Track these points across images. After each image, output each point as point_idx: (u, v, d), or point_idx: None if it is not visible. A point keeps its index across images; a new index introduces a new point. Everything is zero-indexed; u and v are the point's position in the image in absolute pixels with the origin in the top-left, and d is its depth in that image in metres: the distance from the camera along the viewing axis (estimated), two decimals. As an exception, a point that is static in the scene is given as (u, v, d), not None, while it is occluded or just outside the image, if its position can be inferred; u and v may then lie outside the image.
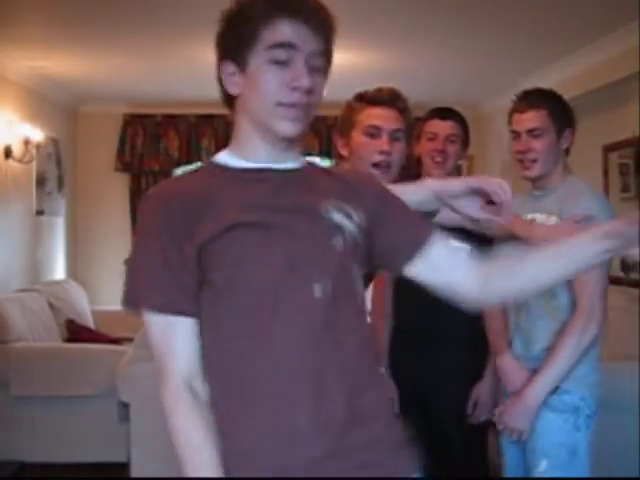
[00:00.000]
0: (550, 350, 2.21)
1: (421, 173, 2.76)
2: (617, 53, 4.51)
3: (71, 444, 4.14)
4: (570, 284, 2.16)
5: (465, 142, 2.80)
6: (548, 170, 2.32)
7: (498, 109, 6.81)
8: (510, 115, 2.44)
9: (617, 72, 4.56)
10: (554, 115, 2.36)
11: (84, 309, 5.88)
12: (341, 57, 5.54)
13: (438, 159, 2.69)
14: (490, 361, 2.61)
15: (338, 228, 1.34)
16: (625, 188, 5.36)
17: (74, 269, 6.96)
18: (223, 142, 7.20)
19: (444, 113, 2.76)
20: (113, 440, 4.02)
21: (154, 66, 5.67)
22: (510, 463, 2.44)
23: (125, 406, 3.36)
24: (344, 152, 2.15)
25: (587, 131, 6.17)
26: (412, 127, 2.15)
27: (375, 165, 2.02)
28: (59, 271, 6.61)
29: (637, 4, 3.74)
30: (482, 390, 2.68)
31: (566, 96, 5.57)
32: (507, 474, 2.47)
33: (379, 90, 2.12)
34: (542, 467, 2.21)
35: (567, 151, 2.42)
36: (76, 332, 5.31)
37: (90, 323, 5.82)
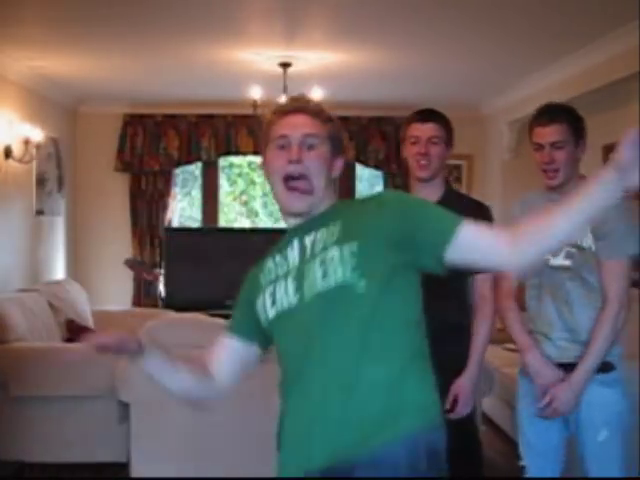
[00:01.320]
0: (590, 338, 2.54)
1: (409, 175, 2.87)
2: (617, 53, 4.51)
3: (71, 444, 4.14)
4: (600, 275, 2.53)
5: (448, 142, 2.82)
6: (568, 177, 2.57)
7: (498, 109, 6.82)
8: (531, 128, 2.63)
9: (617, 72, 4.56)
10: (573, 128, 2.60)
11: (84, 309, 5.87)
12: (341, 58, 5.58)
13: (422, 162, 2.74)
14: (472, 356, 2.71)
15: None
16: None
17: (74, 269, 6.96)
18: (223, 142, 7.21)
19: (425, 116, 2.81)
20: (113, 440, 4.01)
21: (154, 66, 5.67)
22: (536, 440, 2.68)
23: (125, 406, 3.36)
24: None
25: (587, 131, 6.19)
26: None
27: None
28: (59, 271, 6.61)
29: (637, 4, 3.74)
30: (464, 385, 2.72)
31: (566, 96, 5.61)
32: (531, 450, 2.70)
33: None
34: (603, 436, 2.54)
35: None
36: (76, 332, 5.31)
37: (90, 323, 5.81)
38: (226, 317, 3.52)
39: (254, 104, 5.60)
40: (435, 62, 5.46)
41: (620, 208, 2.19)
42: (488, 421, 4.65)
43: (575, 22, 4.30)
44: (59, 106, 6.60)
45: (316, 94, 5.59)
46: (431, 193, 2.75)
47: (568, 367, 2.55)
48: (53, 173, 6.34)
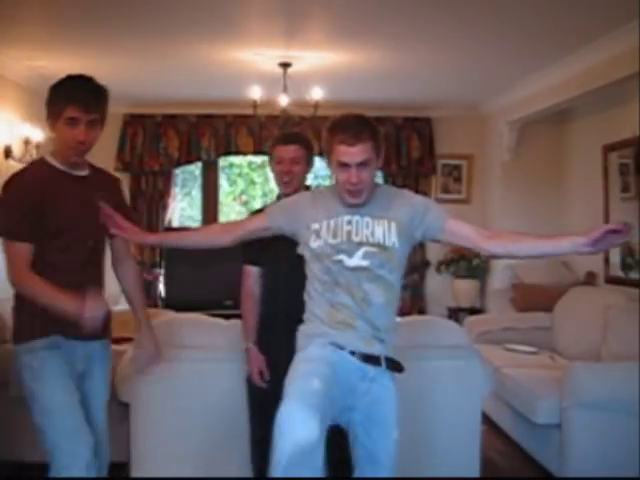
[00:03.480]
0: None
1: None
2: (617, 53, 4.51)
3: (71, 444, 4.12)
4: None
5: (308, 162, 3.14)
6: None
7: (498, 109, 6.82)
8: (334, 147, 2.49)
9: (617, 72, 4.56)
10: (375, 145, 2.49)
11: (84, 309, 5.86)
12: (341, 58, 5.58)
13: (285, 179, 3.06)
14: None
15: None
16: (625, 188, 5.36)
17: (74, 269, 6.94)
18: (223, 142, 7.20)
19: (287, 139, 3.13)
20: (113, 440, 4.01)
21: (154, 66, 5.67)
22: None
23: (125, 406, 3.35)
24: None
25: (587, 131, 6.20)
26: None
27: None
28: (59, 271, 6.59)
29: (637, 4, 3.74)
30: None
31: (566, 96, 5.62)
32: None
33: None
34: (396, 434, 2.53)
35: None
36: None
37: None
38: (226, 317, 3.54)
39: (254, 104, 5.60)
40: (435, 62, 5.46)
41: None
42: (488, 421, 4.65)
43: (575, 22, 4.30)
44: (59, 106, 6.58)
45: (316, 94, 5.59)
46: None
47: (372, 359, 2.51)
48: (53, 173, 6.33)
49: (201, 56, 5.29)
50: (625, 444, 3.67)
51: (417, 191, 7.26)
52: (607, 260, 5.55)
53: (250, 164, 9.01)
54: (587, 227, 6.69)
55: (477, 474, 3.51)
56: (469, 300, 6.97)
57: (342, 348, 2.49)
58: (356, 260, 2.48)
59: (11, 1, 4.00)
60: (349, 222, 2.51)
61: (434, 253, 7.22)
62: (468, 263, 6.93)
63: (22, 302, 2.56)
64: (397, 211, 2.53)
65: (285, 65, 5.37)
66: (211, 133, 7.18)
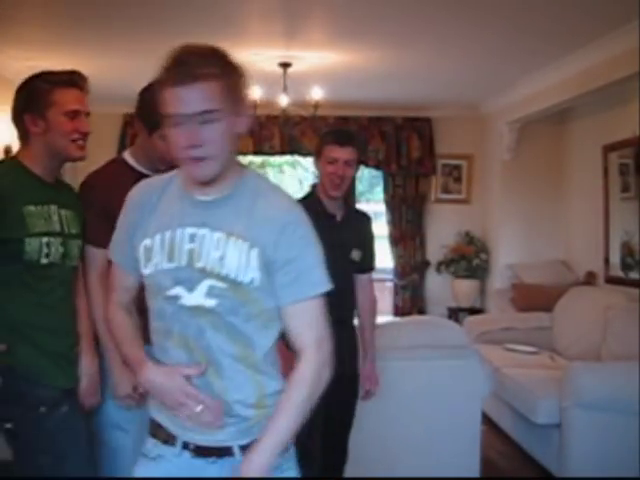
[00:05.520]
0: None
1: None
2: (617, 53, 4.51)
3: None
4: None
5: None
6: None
7: (498, 109, 6.82)
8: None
9: (617, 72, 4.56)
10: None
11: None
12: (341, 58, 5.58)
13: (337, 182, 2.93)
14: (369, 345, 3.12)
15: None
16: (625, 188, 5.36)
17: (74, 269, 6.95)
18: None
19: (343, 140, 2.98)
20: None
21: (154, 66, 5.65)
22: None
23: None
24: None
25: (587, 131, 6.19)
26: None
27: None
28: (59, 271, 6.59)
29: (637, 4, 3.74)
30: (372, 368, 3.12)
31: (566, 96, 5.62)
32: None
33: None
34: None
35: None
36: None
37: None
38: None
39: (254, 104, 5.60)
40: (435, 62, 5.46)
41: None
42: (488, 421, 4.65)
43: (575, 22, 4.30)
44: (59, 106, 6.58)
45: (316, 94, 5.59)
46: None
47: (223, 450, 1.66)
48: (53, 173, 6.33)
49: (201, 56, 5.28)
50: (625, 444, 3.67)
51: (417, 191, 7.28)
52: (607, 260, 5.55)
53: (250, 164, 9.02)
54: (587, 227, 6.70)
55: (477, 474, 3.51)
56: (469, 300, 6.97)
57: (170, 441, 1.69)
58: (197, 297, 1.63)
59: (11, 1, 4.00)
60: (192, 238, 1.64)
61: (434, 253, 7.22)
62: (468, 263, 6.93)
63: None
64: (261, 229, 1.62)
65: (285, 65, 5.37)
66: (211, 133, 7.17)
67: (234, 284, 1.59)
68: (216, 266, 1.60)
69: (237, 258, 1.59)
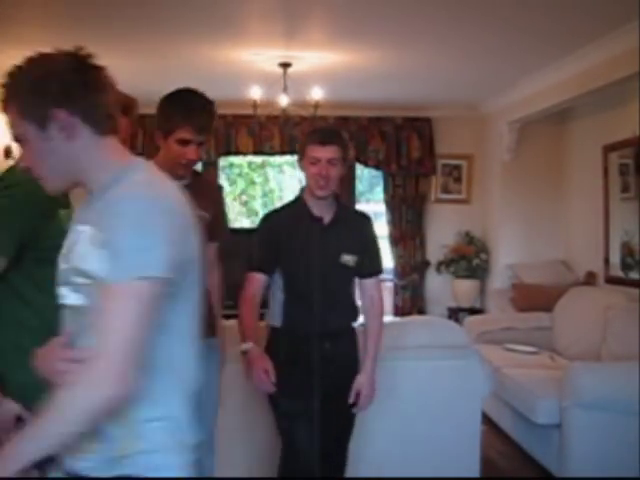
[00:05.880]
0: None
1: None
2: (617, 53, 4.51)
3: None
4: None
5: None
6: None
7: (498, 109, 6.81)
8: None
9: (617, 72, 4.56)
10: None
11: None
12: (341, 58, 5.57)
13: (321, 183, 2.83)
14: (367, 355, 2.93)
15: None
16: (625, 188, 5.36)
17: (74, 269, 6.95)
18: (223, 142, 7.20)
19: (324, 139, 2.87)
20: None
21: (154, 66, 5.67)
22: None
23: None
24: None
25: (587, 131, 6.20)
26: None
27: None
28: (59, 271, 6.60)
29: (637, 4, 3.74)
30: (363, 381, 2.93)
31: (566, 96, 5.62)
32: None
33: None
34: None
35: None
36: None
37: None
38: (226, 317, 3.53)
39: (254, 104, 5.60)
40: (435, 62, 5.46)
41: None
42: (488, 421, 4.65)
43: (575, 22, 4.30)
44: (59, 106, 6.58)
45: (316, 94, 5.59)
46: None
47: None
48: (53, 173, 6.33)
49: (201, 56, 5.28)
50: (625, 444, 3.67)
51: (417, 191, 7.29)
52: (607, 260, 5.55)
53: (250, 164, 9.01)
54: (587, 227, 6.70)
55: (477, 474, 3.51)
56: (469, 300, 6.97)
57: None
58: (69, 296, 1.48)
59: (11, 1, 4.00)
60: (80, 234, 1.50)
61: (434, 253, 7.22)
62: (468, 263, 6.93)
63: None
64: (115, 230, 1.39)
65: (285, 65, 5.37)
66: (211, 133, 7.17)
67: (93, 278, 1.39)
68: (79, 265, 1.45)
69: (97, 259, 1.38)
